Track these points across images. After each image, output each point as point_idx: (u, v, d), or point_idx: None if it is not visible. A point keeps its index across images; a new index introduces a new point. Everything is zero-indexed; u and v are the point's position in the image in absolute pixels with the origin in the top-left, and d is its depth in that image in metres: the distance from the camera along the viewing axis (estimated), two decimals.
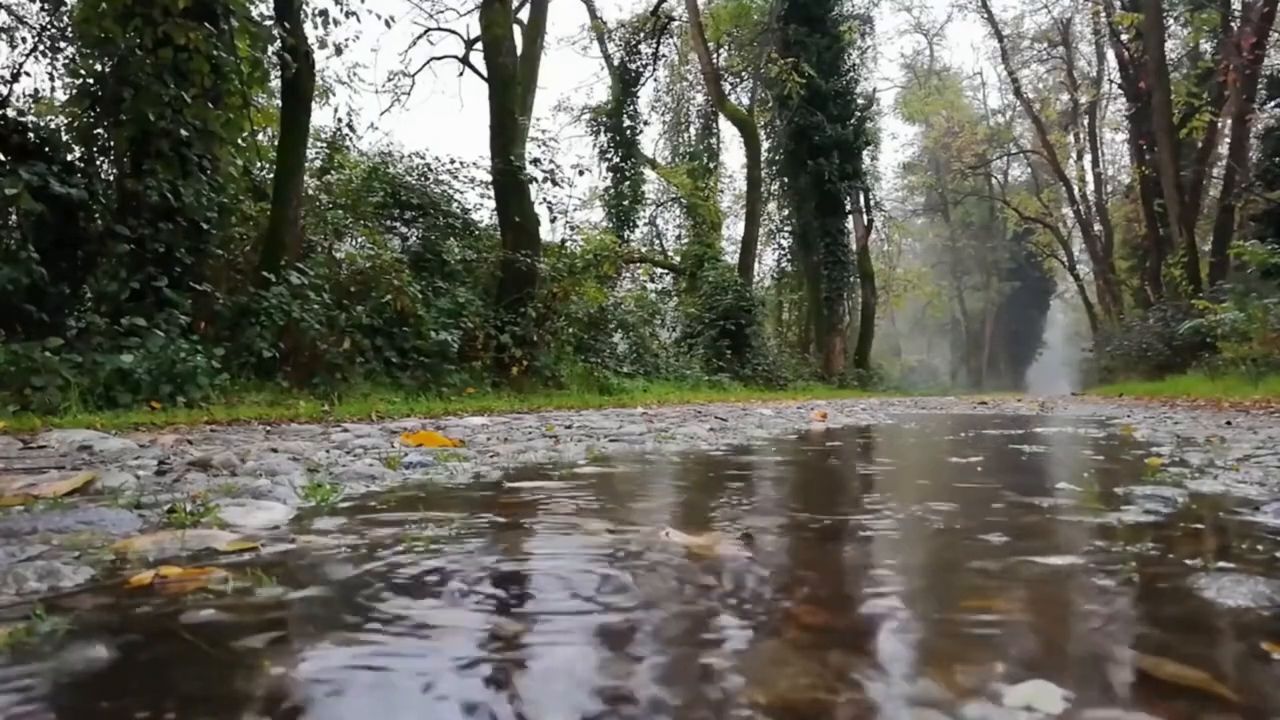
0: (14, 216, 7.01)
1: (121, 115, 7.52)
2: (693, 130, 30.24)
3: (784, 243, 31.00)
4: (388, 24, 11.29)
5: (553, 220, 16.41)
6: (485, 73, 14.11)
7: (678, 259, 26.93)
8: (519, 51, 14.53)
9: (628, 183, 27.15)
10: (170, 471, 2.52)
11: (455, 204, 14.08)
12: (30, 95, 8.66)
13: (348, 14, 9.87)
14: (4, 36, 8.64)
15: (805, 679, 0.84)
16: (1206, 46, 23.70)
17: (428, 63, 25.23)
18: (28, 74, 8.49)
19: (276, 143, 10.33)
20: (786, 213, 30.04)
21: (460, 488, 2.40)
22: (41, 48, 8.56)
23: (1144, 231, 26.95)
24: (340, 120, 14.27)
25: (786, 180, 28.36)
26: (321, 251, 10.70)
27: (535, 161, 13.44)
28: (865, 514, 1.99)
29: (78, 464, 2.78)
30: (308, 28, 9.55)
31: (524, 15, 17.67)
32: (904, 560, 1.48)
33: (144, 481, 2.32)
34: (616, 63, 28.29)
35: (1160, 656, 0.90)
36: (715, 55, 26.39)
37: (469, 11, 22.46)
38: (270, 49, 8.97)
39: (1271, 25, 19.88)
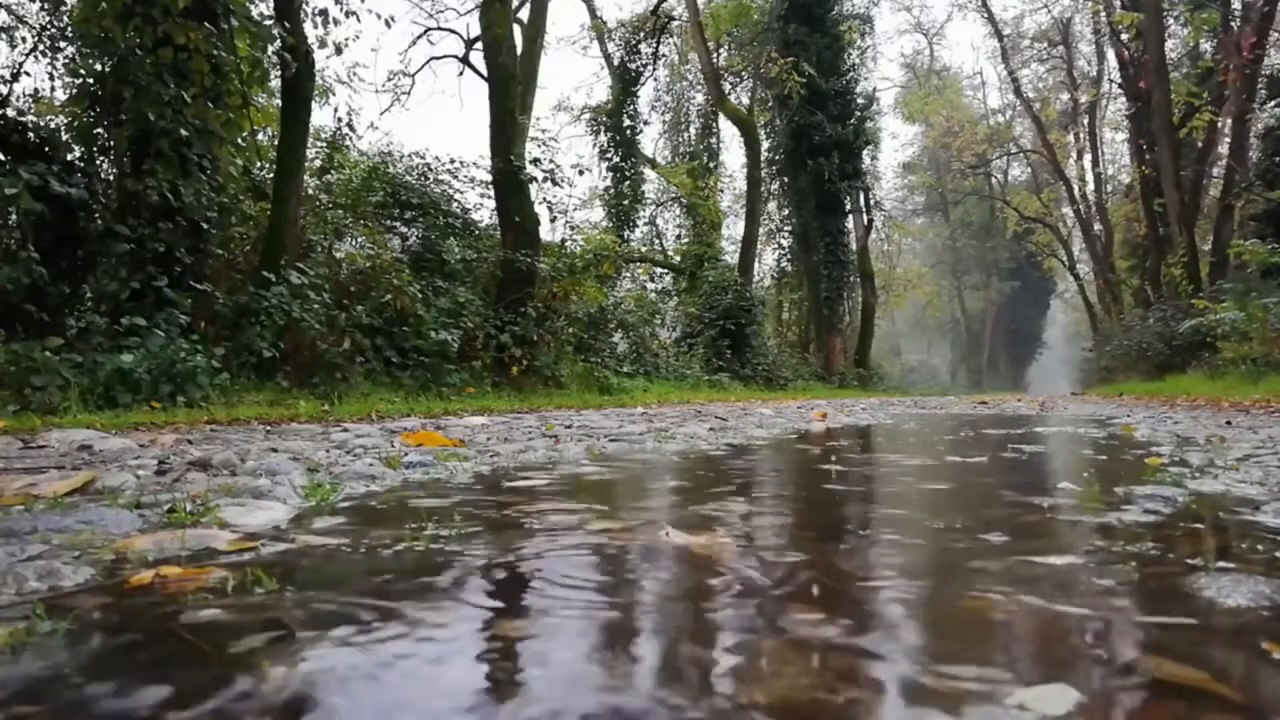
0: (14, 216, 7.00)
1: (121, 115, 7.52)
2: (693, 130, 30.24)
3: (784, 242, 31.04)
4: (388, 24, 11.30)
5: (553, 220, 16.43)
6: (485, 72, 14.11)
7: (678, 259, 26.91)
8: (519, 51, 14.53)
9: (628, 182, 27.14)
10: (170, 471, 2.52)
11: (455, 204, 14.08)
12: (30, 95, 8.65)
13: (348, 14, 9.88)
14: (4, 36, 8.63)
15: (805, 678, 0.84)
16: (1206, 46, 23.68)
17: (428, 62, 25.18)
18: (28, 74, 8.49)
19: (276, 143, 10.33)
20: (786, 212, 30.06)
21: (460, 487, 2.40)
22: (41, 48, 8.56)
23: (1144, 231, 26.93)
24: (340, 120, 14.30)
25: (786, 180, 28.40)
26: (321, 251, 10.69)
27: (535, 161, 13.45)
28: (865, 513, 1.99)
29: (78, 464, 2.78)
30: (308, 27, 9.56)
31: (524, 15, 17.66)
32: (904, 559, 1.48)
33: (144, 481, 2.32)
34: (616, 62, 28.29)
35: (1160, 656, 0.90)
36: (715, 55, 26.38)
37: (469, 11, 22.45)
38: (270, 49, 8.97)
39: (1271, 25, 19.87)
